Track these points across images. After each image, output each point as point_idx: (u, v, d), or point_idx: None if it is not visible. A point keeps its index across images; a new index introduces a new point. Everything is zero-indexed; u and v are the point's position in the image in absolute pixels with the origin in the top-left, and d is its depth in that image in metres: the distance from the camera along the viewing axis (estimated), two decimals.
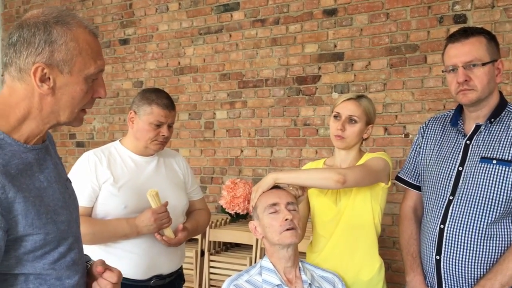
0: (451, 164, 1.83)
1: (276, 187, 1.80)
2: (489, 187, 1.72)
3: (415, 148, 2.03)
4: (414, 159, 2.03)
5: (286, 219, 1.66)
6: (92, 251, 1.96)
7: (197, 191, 2.30)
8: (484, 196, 1.72)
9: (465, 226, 1.74)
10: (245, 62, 3.97)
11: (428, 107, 3.26)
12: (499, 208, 1.71)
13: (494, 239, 1.72)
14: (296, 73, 3.75)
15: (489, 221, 1.72)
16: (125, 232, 1.92)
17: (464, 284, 1.74)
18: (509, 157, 1.71)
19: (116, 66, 4.66)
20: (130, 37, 4.58)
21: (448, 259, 1.77)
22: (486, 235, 1.72)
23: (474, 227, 1.73)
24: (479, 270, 1.72)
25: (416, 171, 2.02)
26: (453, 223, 1.77)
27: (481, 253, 1.72)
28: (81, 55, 1.10)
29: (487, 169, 1.73)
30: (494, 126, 1.78)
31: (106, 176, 1.98)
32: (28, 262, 1.08)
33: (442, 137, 1.93)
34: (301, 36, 3.72)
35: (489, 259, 1.72)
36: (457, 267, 1.75)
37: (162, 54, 4.40)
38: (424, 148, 1.98)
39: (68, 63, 1.09)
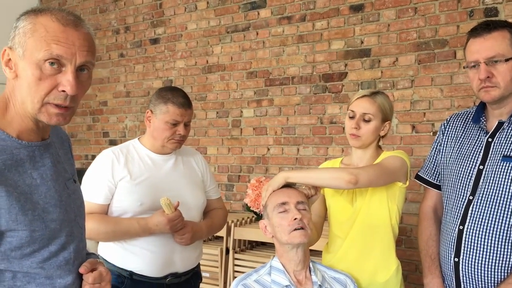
0: (471, 163, 1.77)
1: (287, 186, 1.78)
2: (511, 187, 1.64)
3: (435, 146, 1.97)
4: (434, 157, 1.97)
5: (295, 219, 1.64)
6: (110, 248, 2.02)
7: (215, 190, 2.30)
8: (505, 196, 1.65)
9: (485, 227, 1.67)
10: (272, 59, 3.95)
11: (457, 104, 3.15)
12: None
13: None
14: (322, 70, 3.70)
15: (510, 223, 1.64)
16: (137, 232, 1.94)
17: None
18: None
19: (147, 65, 4.73)
20: (160, 36, 4.63)
21: (466, 261, 1.71)
22: (507, 237, 1.64)
23: (494, 229, 1.66)
24: (499, 273, 1.65)
25: (436, 170, 1.95)
26: (472, 224, 1.70)
27: (501, 256, 1.65)
28: (33, 36, 1.08)
29: (509, 168, 1.66)
30: None
31: (123, 174, 2.00)
32: (15, 260, 1.09)
33: (463, 134, 1.86)
34: (327, 32, 3.67)
35: (509, 263, 1.64)
36: (476, 270, 1.68)
37: (190, 52, 4.43)
38: (445, 146, 1.92)
39: (22, 45, 1.09)
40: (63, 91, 1.10)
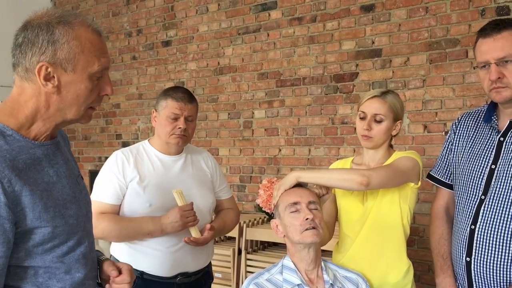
0: (483, 162, 1.76)
1: (298, 185, 1.78)
2: None
3: (447, 145, 1.96)
4: (446, 157, 1.96)
5: (307, 219, 1.65)
6: (121, 248, 2.04)
7: (225, 190, 2.31)
8: None
9: (496, 227, 1.67)
10: (283, 60, 3.96)
11: (469, 104, 3.14)
12: None
13: None
14: (333, 71, 3.70)
15: None
16: (149, 229, 1.95)
17: (495, 287, 1.67)
18: None
19: (159, 68, 4.76)
20: (172, 38, 4.66)
21: (478, 261, 1.70)
22: None
23: (506, 228, 1.65)
24: (511, 273, 1.64)
25: (448, 169, 1.95)
26: (484, 224, 1.70)
27: None
28: (84, 53, 1.13)
29: None
30: None
31: (133, 175, 2.02)
32: (37, 255, 1.12)
33: (474, 133, 1.85)
34: (338, 33, 3.67)
35: None
36: (488, 269, 1.68)
37: (202, 54, 4.45)
38: (456, 145, 1.91)
39: (71, 61, 1.12)
40: (105, 94, 1.21)
